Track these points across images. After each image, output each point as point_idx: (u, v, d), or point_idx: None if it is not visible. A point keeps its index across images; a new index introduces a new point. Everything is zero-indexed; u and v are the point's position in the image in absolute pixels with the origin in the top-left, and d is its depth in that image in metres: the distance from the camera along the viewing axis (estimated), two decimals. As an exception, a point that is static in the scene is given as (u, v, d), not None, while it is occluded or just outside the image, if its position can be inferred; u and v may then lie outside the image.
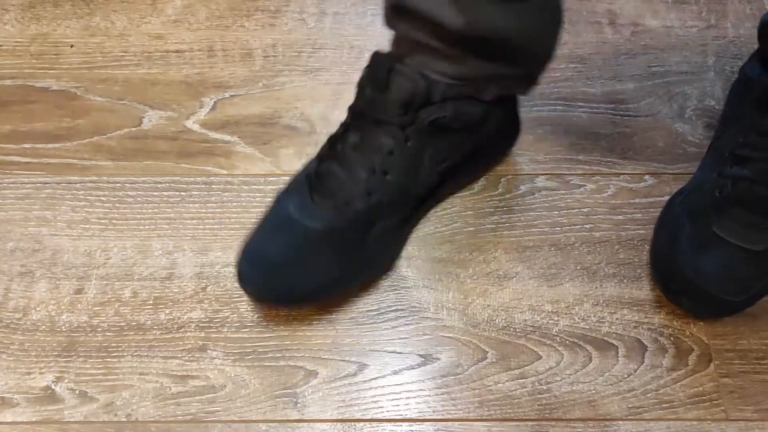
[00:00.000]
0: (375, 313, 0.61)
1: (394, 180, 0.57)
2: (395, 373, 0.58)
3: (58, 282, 0.62)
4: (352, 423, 0.56)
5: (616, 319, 0.61)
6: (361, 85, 0.57)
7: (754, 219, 0.57)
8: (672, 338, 0.60)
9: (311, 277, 0.57)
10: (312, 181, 0.58)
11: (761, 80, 0.64)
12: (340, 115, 0.63)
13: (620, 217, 0.66)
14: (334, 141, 0.59)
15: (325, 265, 0.57)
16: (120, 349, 0.59)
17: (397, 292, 0.62)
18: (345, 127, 0.58)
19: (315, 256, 0.56)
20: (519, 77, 0.59)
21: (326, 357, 0.59)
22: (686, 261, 0.58)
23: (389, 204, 0.58)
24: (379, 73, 0.55)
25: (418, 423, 0.56)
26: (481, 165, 0.67)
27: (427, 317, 0.61)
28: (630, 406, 0.57)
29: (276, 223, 0.58)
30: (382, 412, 0.57)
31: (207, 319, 0.61)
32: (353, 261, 0.58)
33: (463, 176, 0.66)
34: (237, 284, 0.62)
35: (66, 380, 0.58)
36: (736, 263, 0.57)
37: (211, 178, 0.68)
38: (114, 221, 0.66)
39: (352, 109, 0.58)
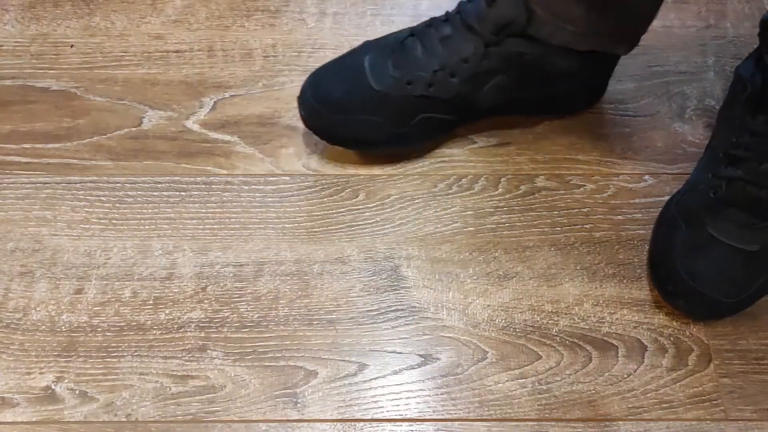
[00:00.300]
0: (375, 313, 0.61)
1: (455, 84, 0.62)
2: (395, 373, 0.58)
3: (58, 282, 0.62)
4: (352, 423, 0.56)
5: (616, 319, 0.61)
6: None
7: (748, 219, 0.57)
8: (672, 338, 0.60)
9: (355, 126, 0.64)
10: (395, 47, 0.63)
11: (753, 80, 0.63)
12: (340, 115, 0.64)
13: (620, 217, 0.66)
14: (431, 23, 0.63)
15: (369, 123, 0.63)
16: (120, 349, 0.59)
17: (397, 292, 0.62)
18: (447, 16, 0.63)
19: (363, 113, 0.63)
20: (623, 36, 0.58)
21: (326, 357, 0.59)
22: (682, 263, 0.58)
23: (442, 102, 0.63)
24: None
25: (418, 423, 0.56)
26: (545, 112, 0.68)
27: (427, 317, 0.61)
28: (630, 406, 0.57)
29: (349, 66, 0.65)
30: (382, 412, 0.57)
31: (207, 319, 0.61)
32: (393, 131, 0.64)
33: (522, 112, 0.67)
34: (237, 285, 0.62)
35: (66, 380, 0.58)
36: (732, 264, 0.57)
37: (211, 178, 0.68)
38: (114, 221, 0.66)
39: (460, 5, 0.62)
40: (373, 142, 0.66)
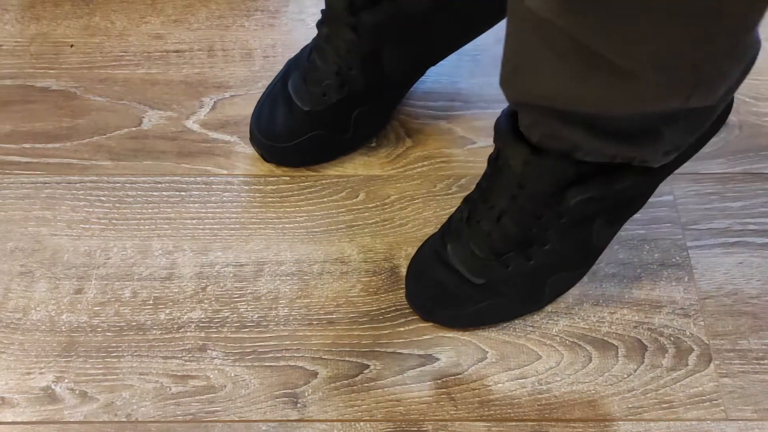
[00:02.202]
0: (375, 313, 0.61)
1: (358, 74, 0.63)
2: (395, 373, 0.58)
3: (58, 282, 0.62)
4: (352, 423, 0.56)
5: (616, 319, 0.61)
6: None
7: (481, 252, 0.57)
8: (672, 338, 0.60)
9: (305, 148, 0.66)
10: (305, 65, 0.66)
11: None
12: (340, 115, 0.64)
13: (620, 217, 0.66)
14: (318, 32, 0.65)
15: (316, 139, 0.66)
16: (120, 349, 0.59)
17: (397, 292, 0.62)
18: (322, 18, 0.64)
19: (306, 133, 0.66)
20: None
21: (326, 357, 0.59)
22: (422, 279, 0.59)
23: (361, 94, 0.65)
24: None
25: (418, 423, 0.56)
26: (463, 36, 0.68)
27: (427, 317, 0.61)
28: (630, 406, 0.57)
29: (278, 94, 0.67)
30: (382, 412, 0.57)
31: (207, 319, 0.61)
32: (338, 138, 0.67)
33: (442, 53, 0.68)
34: (237, 285, 0.62)
35: (66, 380, 0.58)
36: (452, 290, 0.58)
37: (211, 178, 0.68)
38: (114, 221, 0.66)
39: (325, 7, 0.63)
40: (330, 155, 0.69)
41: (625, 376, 0.58)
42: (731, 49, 0.43)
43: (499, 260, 0.57)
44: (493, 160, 0.56)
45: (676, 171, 0.67)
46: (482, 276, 0.57)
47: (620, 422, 0.56)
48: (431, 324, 0.60)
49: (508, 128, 0.52)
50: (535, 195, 0.53)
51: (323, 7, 0.62)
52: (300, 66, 0.67)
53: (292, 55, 0.71)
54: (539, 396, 0.57)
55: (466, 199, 0.59)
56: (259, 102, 0.69)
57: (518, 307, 0.60)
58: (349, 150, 0.69)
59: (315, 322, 0.60)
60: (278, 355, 0.59)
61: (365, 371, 0.58)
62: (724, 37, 0.40)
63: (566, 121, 0.47)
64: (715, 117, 0.53)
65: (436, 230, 0.62)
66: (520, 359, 0.59)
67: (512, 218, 0.55)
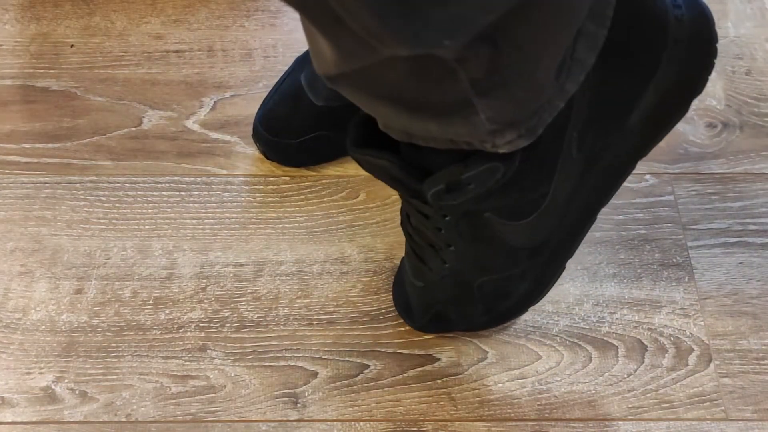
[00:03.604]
0: (375, 313, 0.61)
1: None
2: (395, 373, 0.58)
3: (58, 282, 0.62)
4: (352, 423, 0.56)
5: (616, 319, 0.61)
6: None
7: (410, 252, 0.57)
8: (672, 338, 0.60)
9: (310, 146, 0.66)
10: None
11: None
12: (340, 115, 0.63)
13: (621, 216, 0.66)
14: None
15: (322, 139, 0.65)
16: (120, 349, 0.59)
17: (397, 292, 0.62)
18: None
19: (313, 131, 0.65)
20: None
21: (326, 357, 0.59)
22: (397, 285, 0.61)
23: None
24: None
25: (418, 423, 0.56)
26: None
27: (427, 317, 0.61)
28: (630, 406, 0.57)
29: (288, 90, 0.67)
30: (382, 412, 0.57)
31: (207, 319, 0.61)
32: (342, 139, 0.61)
33: None
34: (237, 285, 0.62)
35: (66, 380, 0.58)
36: (411, 291, 0.58)
37: (211, 178, 0.68)
38: (114, 221, 0.66)
39: None
40: (332, 155, 0.68)
41: (625, 376, 0.58)
42: None
43: (423, 263, 0.56)
44: None
45: (676, 171, 0.67)
46: (420, 279, 0.57)
47: (620, 422, 0.56)
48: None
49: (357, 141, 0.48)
50: (410, 192, 0.50)
51: None
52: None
53: (294, 55, 0.71)
54: (539, 396, 0.57)
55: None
56: (265, 99, 0.68)
57: (461, 313, 0.58)
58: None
59: (315, 322, 0.60)
60: (278, 355, 0.59)
61: (365, 371, 0.58)
62: None
63: (373, 97, 0.43)
64: (572, 88, 0.44)
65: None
66: (520, 359, 0.59)
67: (414, 218, 0.54)
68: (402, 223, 0.57)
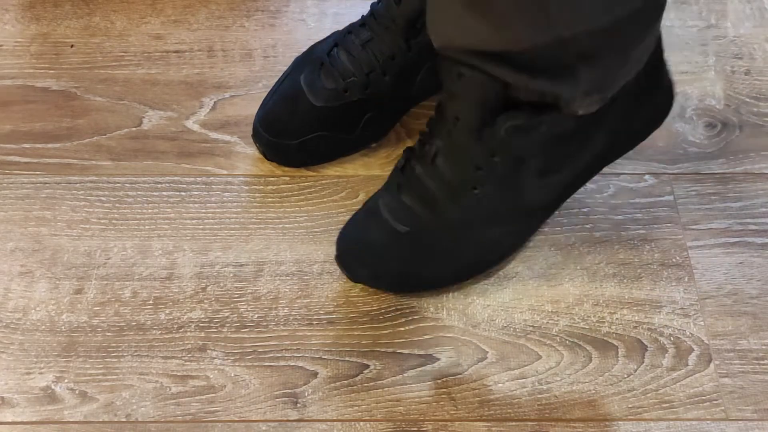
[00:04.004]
0: (375, 313, 0.61)
1: (389, 81, 0.65)
2: (395, 373, 0.58)
3: (58, 282, 0.62)
4: (352, 423, 0.56)
5: (616, 319, 0.61)
6: None
7: (407, 197, 0.58)
8: (672, 338, 0.60)
9: (310, 146, 0.66)
10: (324, 60, 0.66)
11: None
12: (340, 115, 0.64)
13: (620, 217, 0.66)
14: (351, 30, 0.66)
15: (321, 139, 0.66)
16: (120, 349, 0.59)
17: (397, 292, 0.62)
18: (363, 20, 0.66)
19: (313, 131, 0.66)
20: None
21: (326, 357, 0.59)
22: (349, 235, 0.61)
23: (381, 99, 0.66)
24: None
25: (418, 423, 0.56)
26: None
27: (427, 317, 0.61)
28: (630, 406, 0.57)
29: (288, 91, 0.67)
30: (382, 412, 0.57)
31: (207, 319, 0.61)
32: (343, 138, 0.67)
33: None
34: (237, 285, 0.62)
35: (66, 380, 0.58)
36: (375, 240, 0.59)
37: (211, 178, 0.68)
38: (114, 221, 0.66)
39: (372, 8, 0.65)
40: (331, 156, 0.69)
41: (625, 376, 0.58)
42: None
43: (426, 207, 0.57)
44: (437, 106, 0.57)
45: (675, 171, 0.67)
46: (407, 223, 0.58)
47: (620, 422, 0.56)
48: (431, 324, 0.60)
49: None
50: (469, 125, 0.55)
51: (337, 7, 0.64)
52: (313, 61, 0.67)
53: (293, 55, 0.71)
54: (539, 396, 0.57)
55: (406, 150, 0.61)
56: (264, 100, 0.69)
57: (442, 268, 0.60)
58: (351, 151, 0.69)
59: (315, 322, 0.60)
60: (278, 355, 0.59)
61: (365, 371, 0.58)
62: None
63: (485, 60, 0.51)
64: (640, 66, 0.55)
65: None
66: (520, 359, 0.59)
67: (445, 157, 0.56)
68: (402, 168, 0.59)
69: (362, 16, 0.67)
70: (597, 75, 0.52)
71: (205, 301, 0.61)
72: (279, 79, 0.69)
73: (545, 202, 0.61)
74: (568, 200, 0.66)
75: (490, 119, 0.54)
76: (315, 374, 0.58)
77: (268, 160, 0.68)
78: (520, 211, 0.60)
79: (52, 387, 0.57)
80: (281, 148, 0.67)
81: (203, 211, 0.66)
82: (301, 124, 0.66)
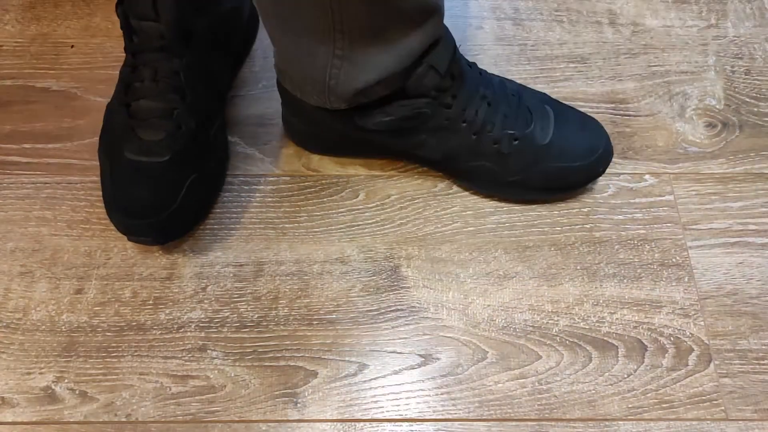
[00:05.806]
0: (375, 313, 0.61)
1: (202, 90, 0.64)
2: (395, 373, 0.58)
3: (58, 282, 0.62)
4: (352, 423, 0.56)
5: (616, 319, 0.61)
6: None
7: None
8: (672, 338, 0.60)
9: (185, 207, 0.61)
10: (133, 118, 0.63)
11: None
12: (340, 115, 0.63)
13: (620, 216, 0.66)
14: (128, 75, 0.64)
15: (194, 188, 0.62)
16: (120, 349, 0.59)
17: (397, 292, 0.62)
18: (128, 67, 0.63)
19: (182, 186, 0.61)
20: None
21: (326, 357, 0.59)
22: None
23: (212, 109, 0.66)
24: None
25: (418, 423, 0.56)
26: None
27: (427, 317, 0.61)
28: (630, 406, 0.57)
29: (125, 169, 0.61)
30: (382, 412, 0.57)
31: (207, 319, 0.61)
32: (210, 172, 0.65)
33: None
34: (237, 285, 0.62)
35: (66, 380, 0.58)
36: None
37: (211, 178, 0.68)
38: (114, 221, 0.66)
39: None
40: (213, 196, 0.66)
41: (625, 376, 0.58)
42: None
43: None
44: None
45: (675, 171, 0.67)
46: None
47: (620, 422, 0.56)
48: (431, 324, 0.60)
49: None
50: None
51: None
52: (124, 125, 0.61)
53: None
54: (539, 396, 0.57)
55: None
56: (102, 182, 0.62)
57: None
58: (221, 179, 0.67)
59: (315, 322, 0.61)
60: (278, 355, 0.59)
61: (365, 371, 0.58)
62: None
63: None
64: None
65: (433, 229, 0.62)
66: (520, 359, 0.59)
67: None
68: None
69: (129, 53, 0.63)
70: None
71: (205, 301, 0.61)
72: (102, 164, 0.63)
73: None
74: (568, 200, 0.66)
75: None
76: (315, 374, 0.58)
77: (150, 245, 0.64)
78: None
79: (53, 387, 0.58)
80: (157, 226, 0.59)
81: (203, 211, 0.66)
82: (164, 188, 0.60)
